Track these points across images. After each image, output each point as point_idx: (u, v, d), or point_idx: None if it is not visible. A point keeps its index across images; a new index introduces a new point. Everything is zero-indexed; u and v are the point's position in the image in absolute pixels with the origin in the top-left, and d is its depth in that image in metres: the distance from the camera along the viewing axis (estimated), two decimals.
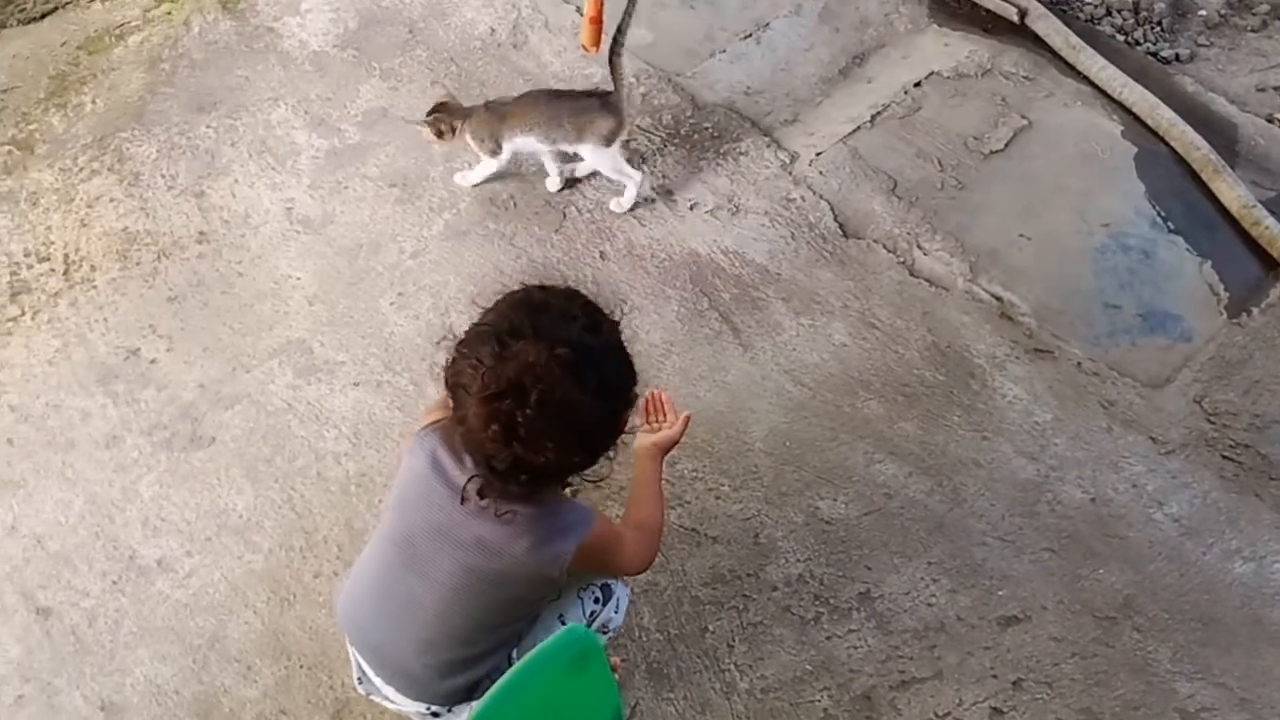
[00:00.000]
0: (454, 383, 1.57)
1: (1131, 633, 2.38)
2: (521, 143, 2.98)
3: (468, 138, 2.98)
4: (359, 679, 1.90)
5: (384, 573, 1.74)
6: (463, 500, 1.62)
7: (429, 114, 2.96)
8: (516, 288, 1.66)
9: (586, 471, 1.67)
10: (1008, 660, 2.33)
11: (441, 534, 1.66)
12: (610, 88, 2.93)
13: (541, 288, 1.66)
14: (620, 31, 2.88)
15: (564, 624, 1.84)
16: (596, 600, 1.91)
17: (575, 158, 3.07)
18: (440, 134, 2.96)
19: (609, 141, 2.94)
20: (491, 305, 1.64)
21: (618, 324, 1.65)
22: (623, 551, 1.80)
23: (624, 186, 3.07)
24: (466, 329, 1.63)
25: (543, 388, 1.47)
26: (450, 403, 1.61)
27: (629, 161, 3.05)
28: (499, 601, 1.71)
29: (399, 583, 1.71)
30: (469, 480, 1.61)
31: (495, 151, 3.01)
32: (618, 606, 1.97)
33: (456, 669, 1.72)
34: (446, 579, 1.67)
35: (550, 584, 1.73)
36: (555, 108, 2.95)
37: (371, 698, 1.91)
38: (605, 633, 1.98)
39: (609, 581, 1.95)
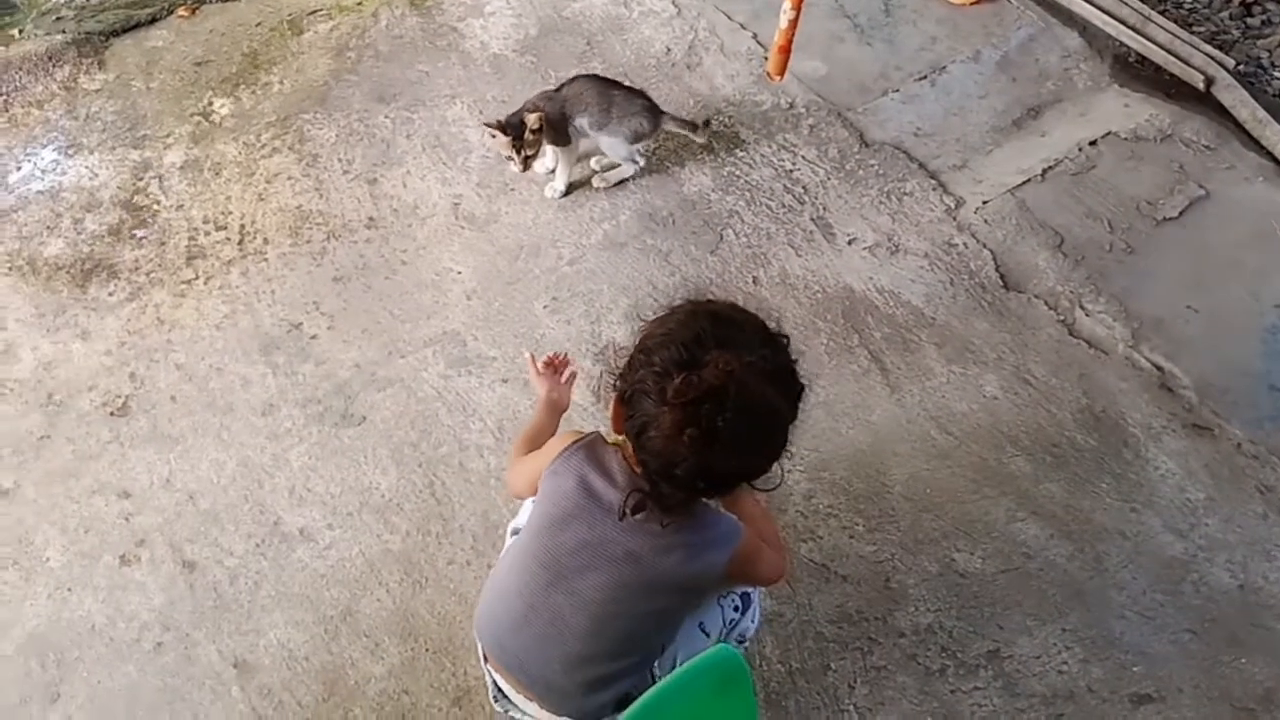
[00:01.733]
0: (635, 391, 1.57)
1: None
2: (577, 124, 3.05)
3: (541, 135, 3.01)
4: (495, 698, 1.91)
5: (529, 593, 1.74)
6: (621, 516, 1.63)
7: (532, 131, 2.95)
8: (681, 301, 1.68)
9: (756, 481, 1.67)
10: None
11: (592, 551, 1.67)
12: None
13: (711, 300, 1.68)
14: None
15: (705, 633, 1.84)
16: (736, 609, 1.91)
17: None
18: (536, 141, 2.99)
19: (635, 140, 3.07)
20: (660, 317, 1.65)
21: (786, 338, 1.66)
22: (764, 561, 1.81)
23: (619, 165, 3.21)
24: (638, 339, 1.64)
25: (741, 394, 1.48)
26: (617, 414, 1.63)
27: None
28: (649, 614, 1.72)
29: (545, 602, 1.72)
30: (628, 495, 1.62)
31: (564, 140, 3.06)
32: (754, 615, 1.97)
33: (604, 684, 1.73)
34: (597, 595, 1.68)
35: (701, 595, 1.75)
36: (608, 95, 3.04)
37: (510, 715, 1.92)
38: (742, 642, 1.98)
39: (748, 590, 1.94)
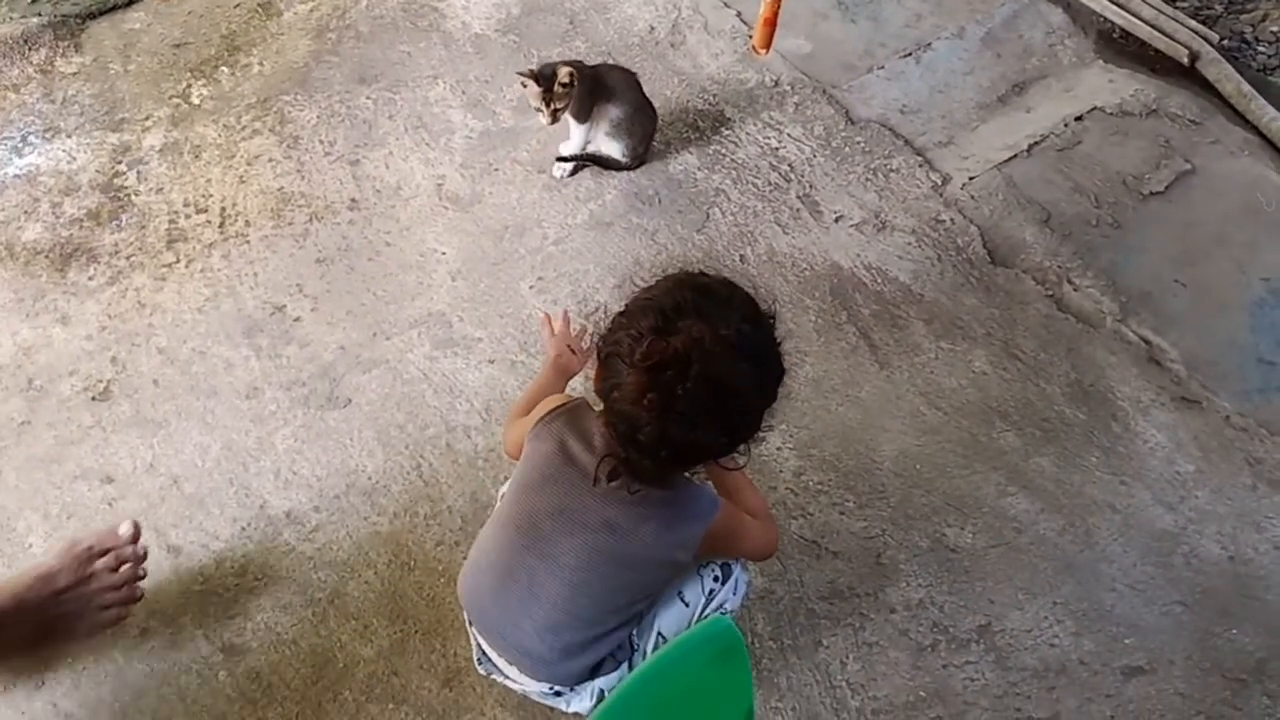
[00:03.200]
0: (610, 353, 1.58)
1: (1261, 697, 2.29)
2: (602, 110, 3.03)
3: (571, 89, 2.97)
4: (479, 659, 1.92)
5: (506, 556, 1.75)
6: (595, 482, 1.63)
7: (562, 84, 2.90)
8: (675, 270, 1.68)
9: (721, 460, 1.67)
10: (1129, 711, 2.25)
11: (568, 517, 1.67)
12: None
13: (703, 273, 1.68)
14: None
15: (684, 601, 1.85)
16: (716, 579, 1.90)
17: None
18: (565, 94, 2.95)
19: (627, 154, 3.11)
20: (651, 284, 1.65)
21: (774, 318, 1.65)
22: (747, 536, 1.80)
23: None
24: (625, 303, 1.64)
25: (706, 364, 1.47)
26: (597, 375, 1.63)
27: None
28: (624, 583, 1.72)
29: (522, 566, 1.72)
30: (601, 461, 1.62)
31: (584, 117, 3.03)
32: (736, 588, 1.95)
33: (579, 650, 1.73)
34: (572, 561, 1.67)
35: (676, 567, 1.75)
36: (640, 107, 3.05)
37: (492, 677, 1.92)
38: (722, 614, 1.97)
39: (729, 561, 1.94)
